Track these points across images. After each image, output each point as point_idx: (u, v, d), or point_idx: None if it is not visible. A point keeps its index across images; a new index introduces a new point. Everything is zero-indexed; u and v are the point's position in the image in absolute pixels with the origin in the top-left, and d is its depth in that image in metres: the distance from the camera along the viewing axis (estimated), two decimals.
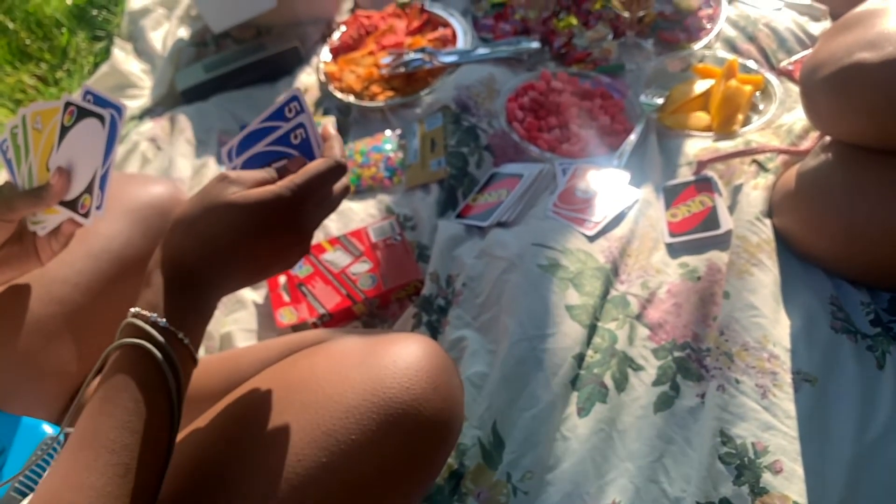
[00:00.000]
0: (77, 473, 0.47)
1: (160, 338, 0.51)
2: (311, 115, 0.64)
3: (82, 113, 0.70)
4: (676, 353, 0.85)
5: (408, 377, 0.57)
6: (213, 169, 1.27)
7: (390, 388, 0.56)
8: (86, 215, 0.71)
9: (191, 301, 0.54)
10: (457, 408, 0.61)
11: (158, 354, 0.50)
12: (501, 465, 0.79)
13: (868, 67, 0.76)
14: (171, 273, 0.53)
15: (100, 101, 0.70)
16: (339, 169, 0.58)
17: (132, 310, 0.53)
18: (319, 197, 0.57)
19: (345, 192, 0.61)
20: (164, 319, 0.52)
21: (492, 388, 0.84)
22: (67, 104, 0.70)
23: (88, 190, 0.70)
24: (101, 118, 0.69)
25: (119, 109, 0.68)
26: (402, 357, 0.59)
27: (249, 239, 0.54)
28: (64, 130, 0.71)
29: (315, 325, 0.99)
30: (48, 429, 0.72)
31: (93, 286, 0.85)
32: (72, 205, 0.71)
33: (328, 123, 0.61)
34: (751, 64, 1.19)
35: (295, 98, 0.63)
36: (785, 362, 0.79)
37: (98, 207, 0.70)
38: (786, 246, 0.91)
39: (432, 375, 0.58)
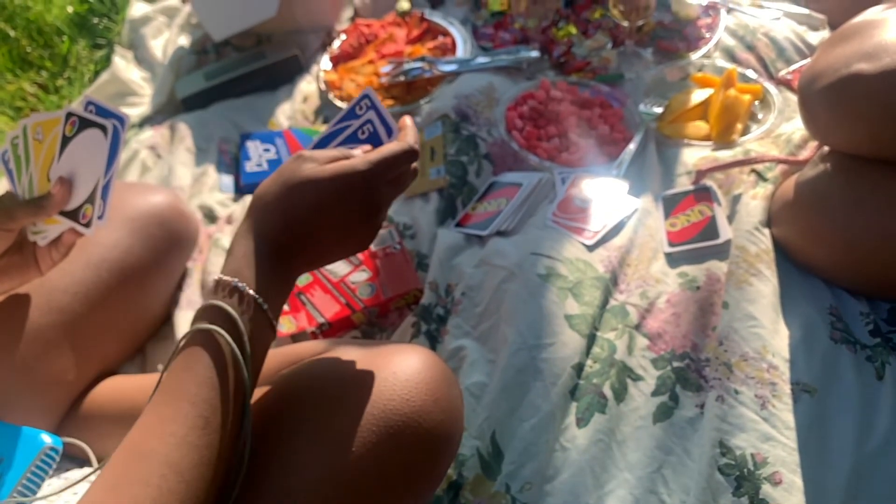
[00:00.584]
0: (159, 423, 0.50)
1: (234, 314, 0.53)
2: (383, 108, 0.65)
3: (84, 123, 0.70)
4: (675, 364, 0.85)
5: (408, 389, 0.57)
6: (212, 177, 1.28)
7: (391, 399, 0.56)
8: (87, 225, 0.71)
9: (272, 272, 0.56)
10: (457, 419, 0.61)
11: (230, 339, 0.52)
12: (500, 475, 0.78)
13: (865, 78, 0.76)
14: (254, 244, 0.56)
15: (102, 111, 0.70)
16: (411, 152, 0.61)
17: (215, 277, 0.55)
18: (391, 175, 0.60)
19: (414, 175, 0.63)
20: (245, 284, 0.54)
21: (491, 398, 0.84)
22: (69, 115, 0.71)
23: (90, 200, 0.70)
24: (103, 129, 0.69)
25: (122, 120, 0.69)
26: (401, 369, 0.59)
27: (325, 212, 0.57)
28: (65, 141, 0.71)
29: (314, 335, 0.99)
30: (47, 438, 0.72)
31: (92, 295, 0.85)
32: (73, 215, 0.72)
33: (406, 116, 0.64)
34: (750, 73, 1.19)
35: (366, 96, 0.65)
36: (784, 373, 0.79)
37: (100, 217, 0.70)
38: (785, 256, 0.91)
39: (432, 387, 0.59)
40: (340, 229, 0.58)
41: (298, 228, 0.56)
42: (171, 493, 0.46)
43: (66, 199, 0.71)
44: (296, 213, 0.56)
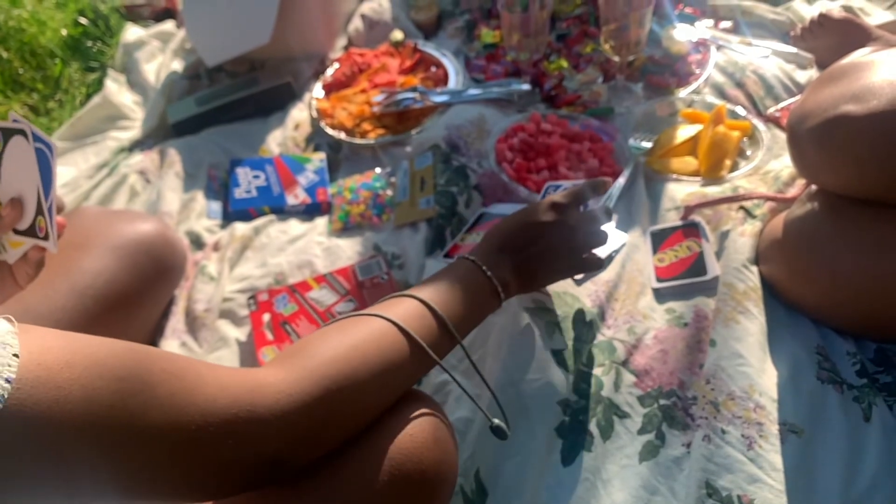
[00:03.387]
0: (400, 300, 0.67)
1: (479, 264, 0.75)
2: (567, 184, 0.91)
3: (7, 133, 0.70)
4: (662, 401, 0.84)
5: (411, 426, 0.59)
6: (201, 203, 1.27)
7: (393, 436, 0.58)
8: (45, 238, 0.70)
9: (498, 269, 0.75)
10: (453, 463, 0.62)
11: (482, 266, 0.75)
12: None
13: (853, 119, 0.77)
14: (483, 249, 0.77)
15: (35, 137, 0.69)
16: (599, 183, 0.86)
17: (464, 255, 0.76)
18: (579, 204, 0.82)
19: (603, 217, 0.85)
20: (485, 266, 0.75)
21: (475, 434, 0.83)
22: None
23: (39, 212, 0.70)
24: (23, 133, 0.68)
25: (50, 147, 0.68)
26: (406, 408, 0.61)
27: (529, 231, 0.78)
28: None
29: None
30: None
31: (76, 323, 0.84)
32: (30, 232, 0.71)
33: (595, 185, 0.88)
34: (739, 110, 1.20)
35: (549, 186, 0.94)
36: (771, 413, 0.79)
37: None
38: (772, 294, 0.91)
39: (432, 426, 0.60)
40: (543, 245, 0.78)
41: (510, 244, 0.77)
42: (390, 332, 0.61)
43: (17, 218, 0.70)
44: (509, 233, 0.78)
